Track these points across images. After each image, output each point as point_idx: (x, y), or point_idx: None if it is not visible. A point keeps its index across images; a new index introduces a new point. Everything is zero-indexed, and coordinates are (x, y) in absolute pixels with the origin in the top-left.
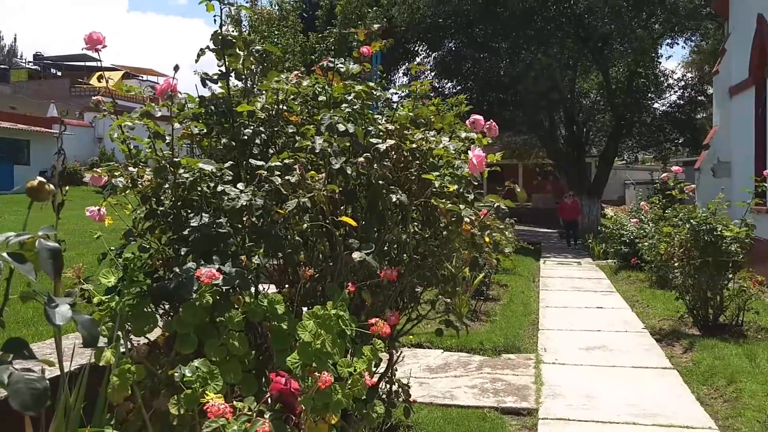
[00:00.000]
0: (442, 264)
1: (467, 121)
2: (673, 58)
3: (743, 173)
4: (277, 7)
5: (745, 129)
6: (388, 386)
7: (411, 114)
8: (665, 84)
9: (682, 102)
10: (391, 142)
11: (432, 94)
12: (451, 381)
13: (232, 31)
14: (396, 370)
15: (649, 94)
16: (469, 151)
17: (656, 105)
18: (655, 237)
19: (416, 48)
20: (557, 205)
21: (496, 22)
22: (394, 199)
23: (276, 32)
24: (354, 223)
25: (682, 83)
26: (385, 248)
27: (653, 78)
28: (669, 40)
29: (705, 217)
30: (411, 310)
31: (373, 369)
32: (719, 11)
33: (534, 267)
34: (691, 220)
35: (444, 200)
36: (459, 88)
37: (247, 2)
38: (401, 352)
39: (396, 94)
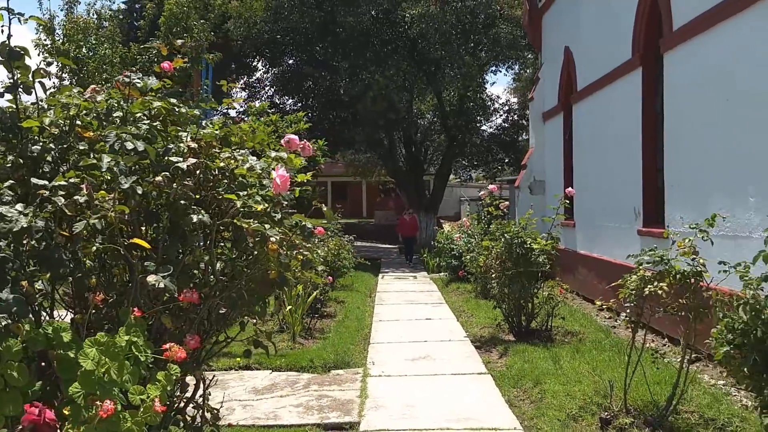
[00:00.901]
0: (258, 284)
1: (282, 141)
2: (499, 85)
3: (555, 191)
4: (95, 16)
5: (555, 151)
6: (196, 411)
7: (217, 132)
8: (492, 108)
9: (506, 125)
10: (192, 160)
11: (272, 111)
12: (276, 401)
13: (45, 40)
14: (210, 394)
15: (478, 117)
16: (273, 171)
17: (484, 127)
18: (475, 250)
19: (255, 63)
20: (398, 221)
21: (335, 42)
22: (195, 220)
23: (93, 41)
24: (147, 245)
25: (507, 108)
26: (194, 271)
27: (481, 102)
28: (494, 68)
29: (517, 231)
30: (219, 332)
31: (179, 394)
32: (534, 43)
33: (372, 282)
34: (506, 234)
35: (251, 220)
36: (300, 105)
37: (62, 9)
38: (214, 375)
39: (233, 108)
